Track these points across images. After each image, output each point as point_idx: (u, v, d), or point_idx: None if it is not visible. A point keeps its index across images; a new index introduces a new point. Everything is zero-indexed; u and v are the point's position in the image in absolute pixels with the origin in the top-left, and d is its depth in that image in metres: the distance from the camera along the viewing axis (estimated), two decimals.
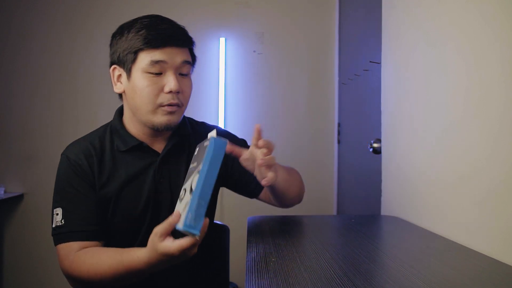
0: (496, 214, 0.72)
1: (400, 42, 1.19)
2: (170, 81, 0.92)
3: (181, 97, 0.96)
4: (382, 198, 1.30)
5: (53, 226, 0.93)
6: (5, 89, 2.48)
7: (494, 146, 0.73)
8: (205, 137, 0.82)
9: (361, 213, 1.80)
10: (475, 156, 0.79)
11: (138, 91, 0.93)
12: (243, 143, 1.15)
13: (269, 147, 0.84)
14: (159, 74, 0.93)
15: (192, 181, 0.74)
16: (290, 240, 0.85)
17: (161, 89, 0.93)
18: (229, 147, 0.83)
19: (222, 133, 1.14)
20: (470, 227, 0.80)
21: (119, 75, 0.99)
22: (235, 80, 2.46)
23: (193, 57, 1.01)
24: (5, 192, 2.41)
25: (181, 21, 1.01)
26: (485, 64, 0.76)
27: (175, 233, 0.74)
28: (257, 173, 0.90)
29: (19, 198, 2.45)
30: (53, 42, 2.48)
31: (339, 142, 2.37)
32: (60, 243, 0.91)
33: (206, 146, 0.75)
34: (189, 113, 1.09)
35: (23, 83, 2.48)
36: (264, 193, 1.11)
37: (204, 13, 2.45)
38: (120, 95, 1.03)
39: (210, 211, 1.12)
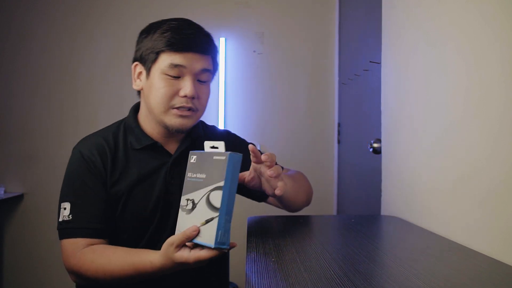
0: (496, 214, 0.72)
1: (400, 42, 1.19)
2: (186, 86, 0.93)
3: (197, 102, 0.96)
4: (382, 198, 1.30)
5: (60, 220, 0.92)
6: (5, 89, 2.48)
7: (494, 146, 0.73)
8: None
9: (361, 213, 1.80)
10: (475, 156, 0.79)
11: (154, 90, 0.94)
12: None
13: (272, 159, 0.85)
14: (177, 77, 0.94)
15: (210, 195, 0.73)
16: (290, 240, 0.85)
17: (177, 92, 0.94)
18: None
19: (231, 138, 1.15)
20: (470, 227, 0.80)
21: (140, 73, 0.99)
22: (235, 80, 2.46)
23: (215, 65, 1.02)
24: (5, 192, 2.41)
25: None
26: (485, 64, 0.76)
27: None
28: (266, 187, 0.91)
29: (19, 198, 2.45)
30: (53, 42, 2.48)
31: (339, 142, 2.37)
32: (66, 238, 0.91)
33: (218, 160, 0.75)
34: None
35: (23, 83, 2.48)
36: (274, 202, 1.12)
37: (204, 13, 2.45)
38: (138, 92, 1.04)
39: None
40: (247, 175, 0.91)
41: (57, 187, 2.70)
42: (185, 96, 0.94)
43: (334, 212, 2.42)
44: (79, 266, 0.87)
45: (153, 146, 1.00)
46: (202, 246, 0.74)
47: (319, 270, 0.63)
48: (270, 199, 1.13)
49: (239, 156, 0.74)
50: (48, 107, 2.48)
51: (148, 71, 0.96)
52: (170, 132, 0.99)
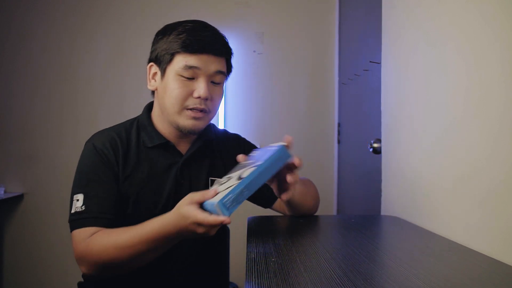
0: (496, 214, 0.72)
1: (400, 42, 1.19)
2: (200, 88, 0.94)
3: (209, 104, 0.97)
4: (382, 198, 1.30)
5: (72, 212, 0.92)
6: (5, 89, 2.48)
7: (494, 146, 0.73)
8: (226, 144, 1.02)
9: (361, 213, 1.80)
10: (475, 156, 0.79)
11: (168, 91, 0.95)
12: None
13: (300, 165, 0.87)
14: (191, 78, 0.95)
15: (244, 172, 0.79)
16: (290, 240, 0.85)
17: (191, 93, 0.95)
18: None
19: (241, 142, 1.17)
20: (470, 227, 0.80)
21: (155, 73, 1.01)
22: (235, 80, 2.46)
23: (229, 67, 1.03)
24: (5, 192, 2.41)
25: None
26: (485, 64, 0.76)
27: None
28: (274, 188, 0.92)
29: (19, 198, 2.45)
30: (53, 42, 2.48)
31: (339, 142, 2.37)
32: (78, 228, 0.90)
33: (271, 149, 0.82)
34: None
35: (23, 83, 2.48)
36: (278, 203, 1.13)
37: (204, 13, 2.45)
38: (152, 92, 1.05)
39: None
40: None
41: (57, 187, 2.70)
42: (199, 97, 0.95)
43: (334, 212, 2.42)
44: (88, 250, 0.86)
45: (165, 145, 1.02)
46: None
47: (319, 270, 0.63)
48: (276, 205, 1.14)
49: (288, 154, 0.81)
50: (48, 107, 2.48)
51: (163, 72, 0.97)
52: (182, 133, 1.00)
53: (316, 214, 1.13)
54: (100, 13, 2.50)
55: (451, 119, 0.88)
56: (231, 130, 1.23)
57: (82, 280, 1.09)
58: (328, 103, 2.48)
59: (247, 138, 1.21)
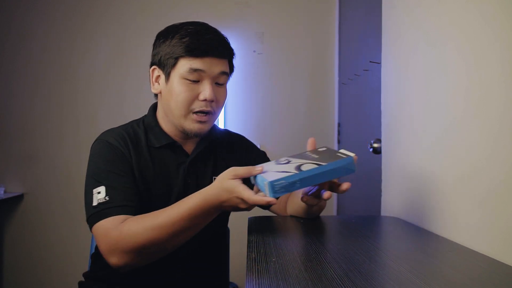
0: (496, 214, 0.72)
1: (400, 42, 1.19)
2: (205, 90, 0.95)
3: (214, 105, 0.98)
4: (382, 198, 1.30)
5: (94, 204, 0.89)
6: (5, 89, 2.48)
7: (494, 146, 0.73)
8: (230, 144, 1.06)
9: (361, 213, 1.80)
10: (475, 156, 0.79)
11: (174, 95, 0.96)
12: (263, 156, 1.18)
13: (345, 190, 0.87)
14: (196, 81, 0.95)
15: (304, 164, 0.79)
16: (290, 240, 0.85)
17: (196, 96, 0.96)
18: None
19: (243, 144, 1.18)
20: (470, 227, 0.80)
21: (158, 76, 1.01)
22: (235, 80, 2.46)
23: (231, 67, 1.04)
24: (5, 192, 2.41)
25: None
26: (485, 64, 0.76)
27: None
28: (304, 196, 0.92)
29: (19, 198, 2.45)
30: (53, 42, 2.48)
31: (339, 142, 2.37)
32: (104, 218, 0.87)
33: (339, 156, 0.81)
34: None
35: (23, 83, 2.48)
36: (277, 205, 1.13)
37: (204, 13, 2.45)
38: (156, 95, 1.06)
39: (224, 218, 1.14)
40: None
41: (57, 187, 2.70)
42: (205, 100, 0.95)
43: (334, 212, 2.42)
44: (123, 236, 0.83)
45: (172, 146, 1.03)
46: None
47: (319, 270, 0.63)
48: (274, 207, 1.14)
49: (351, 170, 0.81)
50: (48, 107, 2.48)
51: (168, 76, 0.97)
52: (188, 135, 1.01)
53: None
54: (100, 13, 2.50)
55: (451, 119, 0.88)
56: (231, 130, 1.23)
57: (83, 279, 1.09)
58: (328, 103, 2.48)
59: (248, 138, 1.22)
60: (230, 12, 2.49)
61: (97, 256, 1.07)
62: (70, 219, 2.43)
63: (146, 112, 1.10)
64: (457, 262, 0.72)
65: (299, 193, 0.99)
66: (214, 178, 1.05)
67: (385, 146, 1.30)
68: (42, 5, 2.48)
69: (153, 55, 1.01)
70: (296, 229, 0.97)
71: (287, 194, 1.12)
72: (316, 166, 0.78)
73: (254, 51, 2.49)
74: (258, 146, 1.19)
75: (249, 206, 0.80)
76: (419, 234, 0.93)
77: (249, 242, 0.82)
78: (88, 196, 0.91)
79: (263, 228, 0.95)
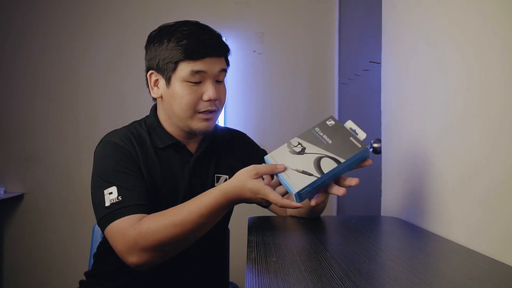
0: (496, 214, 0.72)
1: (400, 42, 1.19)
2: (209, 90, 0.96)
3: (218, 103, 0.99)
4: (382, 198, 1.30)
5: (107, 205, 0.88)
6: (5, 89, 2.48)
7: (494, 146, 0.73)
8: (231, 142, 1.08)
9: (361, 213, 1.80)
10: (475, 156, 0.79)
11: (178, 98, 0.96)
12: (264, 155, 1.16)
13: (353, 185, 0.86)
14: (198, 83, 0.96)
15: (322, 158, 0.81)
16: (290, 240, 0.85)
17: (200, 97, 0.96)
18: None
19: (245, 143, 1.18)
20: (470, 227, 0.80)
21: (156, 80, 1.00)
22: (235, 80, 2.46)
23: (228, 63, 1.04)
24: (5, 192, 2.41)
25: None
26: (485, 64, 0.76)
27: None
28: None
29: (19, 198, 2.45)
30: (53, 42, 2.48)
31: None
32: (119, 218, 0.86)
33: (353, 143, 0.82)
34: None
35: (23, 83, 2.48)
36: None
37: (204, 13, 2.45)
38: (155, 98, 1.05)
39: (226, 216, 1.14)
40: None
41: (57, 187, 2.70)
42: (209, 100, 0.96)
43: (334, 213, 2.42)
44: (142, 235, 0.82)
45: (176, 146, 1.03)
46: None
47: (319, 270, 0.63)
48: (275, 207, 1.13)
49: (368, 154, 0.83)
50: (48, 107, 2.48)
51: (168, 80, 0.97)
52: (194, 134, 1.01)
53: None
54: (100, 13, 2.50)
55: (451, 119, 0.88)
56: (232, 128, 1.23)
57: (84, 278, 1.09)
58: (328, 103, 2.48)
59: (249, 136, 1.22)
60: (230, 12, 2.49)
61: (100, 255, 1.07)
62: (70, 219, 2.43)
63: (146, 112, 1.10)
64: (457, 262, 0.72)
65: None
66: (217, 176, 1.06)
67: (385, 146, 1.30)
68: (42, 5, 2.48)
69: (148, 60, 1.00)
70: (296, 229, 0.97)
71: (281, 191, 1.12)
72: (334, 162, 0.80)
73: (254, 51, 2.49)
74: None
75: (269, 203, 0.85)
76: (419, 234, 0.93)
77: (249, 242, 0.82)
78: (98, 197, 0.90)
79: (263, 228, 0.95)
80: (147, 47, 1.01)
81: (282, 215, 1.12)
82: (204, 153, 1.05)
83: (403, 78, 1.16)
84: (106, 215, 0.87)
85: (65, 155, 2.44)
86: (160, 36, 0.98)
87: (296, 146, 0.85)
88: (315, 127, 0.87)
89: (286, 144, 0.86)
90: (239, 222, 1.33)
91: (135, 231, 0.83)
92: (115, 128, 1.05)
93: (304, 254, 0.74)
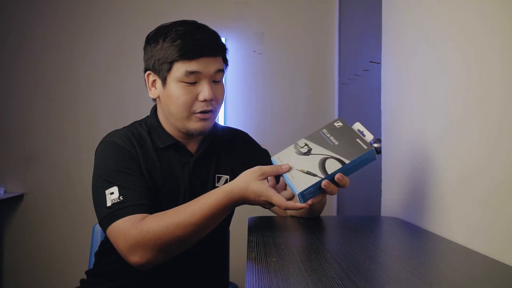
0: (496, 214, 0.72)
1: (400, 42, 1.19)
2: (204, 90, 0.95)
3: (214, 103, 0.98)
4: (382, 198, 1.30)
5: (108, 205, 0.88)
6: (5, 89, 2.48)
7: (494, 146, 0.73)
8: (232, 142, 1.08)
9: (361, 214, 1.80)
10: (475, 156, 0.79)
11: (174, 99, 0.95)
12: (264, 154, 1.16)
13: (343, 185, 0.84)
14: (193, 83, 0.95)
15: (327, 159, 0.82)
16: (290, 240, 0.85)
17: (196, 98, 0.96)
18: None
19: (246, 143, 1.17)
20: (470, 227, 0.80)
21: (154, 81, 1.00)
22: (235, 80, 2.46)
23: (226, 62, 1.03)
24: (5, 192, 2.41)
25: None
26: (485, 64, 0.76)
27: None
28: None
29: (19, 198, 2.45)
30: (53, 42, 2.48)
31: None
32: (121, 218, 0.86)
33: (359, 145, 0.83)
34: None
35: (23, 83, 2.48)
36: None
37: (204, 13, 2.45)
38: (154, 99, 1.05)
39: (228, 217, 1.14)
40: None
41: (57, 187, 2.70)
42: (205, 100, 0.95)
43: (334, 213, 2.42)
44: (144, 234, 0.82)
45: (176, 146, 1.02)
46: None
47: (319, 270, 0.63)
48: (275, 207, 1.13)
49: (374, 156, 0.83)
50: (48, 107, 2.48)
51: (164, 80, 0.97)
52: (191, 135, 1.01)
53: None
54: (100, 13, 2.50)
55: (451, 119, 0.88)
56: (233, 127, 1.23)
57: (85, 277, 1.09)
58: (328, 103, 2.48)
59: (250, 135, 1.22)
60: (230, 12, 2.49)
61: (101, 254, 1.07)
62: (70, 219, 2.43)
63: (146, 112, 1.10)
64: (457, 262, 0.72)
65: None
66: (217, 176, 1.06)
67: (385, 146, 1.30)
68: (42, 5, 2.48)
69: (146, 60, 1.00)
70: (296, 229, 0.97)
71: (287, 195, 1.12)
72: (339, 163, 0.80)
73: (254, 51, 2.49)
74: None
75: (273, 206, 0.84)
76: (419, 234, 0.93)
77: (249, 242, 0.82)
78: (99, 197, 0.91)
79: (263, 228, 0.95)
80: (145, 47, 1.01)
81: (282, 215, 1.12)
82: (204, 153, 1.05)
83: (403, 78, 1.16)
84: (107, 215, 0.87)
85: (65, 155, 2.44)
86: (156, 36, 0.97)
87: (302, 147, 0.85)
88: (323, 129, 0.88)
89: (293, 145, 0.87)
90: (239, 222, 1.33)
91: (137, 231, 0.83)
92: (115, 128, 1.05)
93: (304, 254, 0.74)
